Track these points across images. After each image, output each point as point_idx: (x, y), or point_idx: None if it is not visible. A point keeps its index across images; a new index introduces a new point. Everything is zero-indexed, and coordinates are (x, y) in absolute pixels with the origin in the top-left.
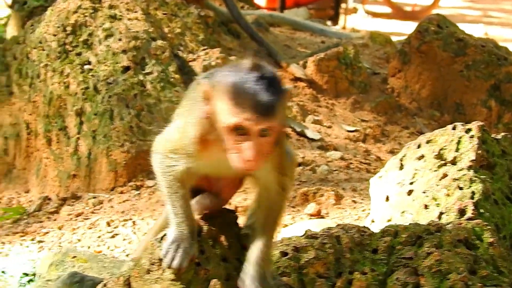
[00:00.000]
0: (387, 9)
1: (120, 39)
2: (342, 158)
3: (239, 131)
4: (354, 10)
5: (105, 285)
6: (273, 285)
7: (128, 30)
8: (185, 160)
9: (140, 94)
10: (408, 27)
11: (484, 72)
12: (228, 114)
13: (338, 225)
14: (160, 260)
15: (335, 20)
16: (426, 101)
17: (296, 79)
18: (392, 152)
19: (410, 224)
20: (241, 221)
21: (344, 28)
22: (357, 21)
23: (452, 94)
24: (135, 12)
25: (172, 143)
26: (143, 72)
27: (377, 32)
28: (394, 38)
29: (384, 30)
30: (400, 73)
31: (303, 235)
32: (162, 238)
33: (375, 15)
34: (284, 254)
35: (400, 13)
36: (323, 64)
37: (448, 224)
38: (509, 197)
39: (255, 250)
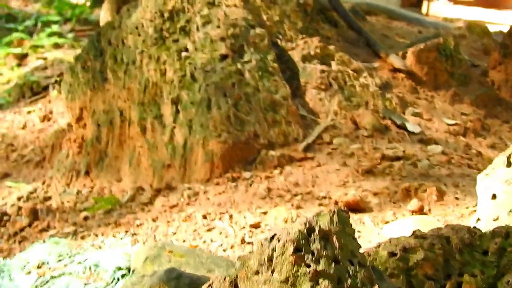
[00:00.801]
0: None
1: (218, 26)
2: (443, 153)
3: None
4: None
5: (210, 285)
6: None
7: (227, 17)
8: None
9: (238, 83)
10: (492, 15)
11: None
12: None
13: (448, 225)
14: (270, 260)
15: (418, 6)
16: None
17: (395, 70)
18: (493, 147)
19: None
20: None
21: (427, 15)
22: (439, 8)
23: None
24: None
25: None
26: (242, 60)
27: (475, 22)
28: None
29: (467, 18)
30: (501, 66)
31: (412, 235)
32: (272, 237)
33: (456, 2)
34: (392, 254)
35: (483, 1)
36: (423, 55)
37: None
38: None
39: None
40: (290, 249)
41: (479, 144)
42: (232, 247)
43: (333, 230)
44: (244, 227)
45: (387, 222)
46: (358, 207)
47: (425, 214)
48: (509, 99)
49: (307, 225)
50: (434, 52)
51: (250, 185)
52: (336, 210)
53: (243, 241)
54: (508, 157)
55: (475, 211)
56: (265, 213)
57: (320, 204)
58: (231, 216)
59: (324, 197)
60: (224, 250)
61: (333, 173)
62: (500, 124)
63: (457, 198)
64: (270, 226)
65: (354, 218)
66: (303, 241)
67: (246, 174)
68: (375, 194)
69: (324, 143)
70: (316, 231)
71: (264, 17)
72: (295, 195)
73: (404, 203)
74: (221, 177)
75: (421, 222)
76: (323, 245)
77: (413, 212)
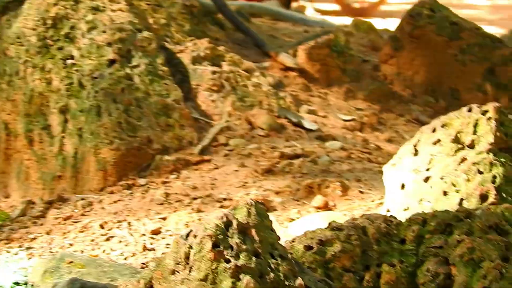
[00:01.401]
0: (336, 7)
1: (104, 31)
2: (342, 148)
3: None
4: (303, 8)
5: None
6: None
7: (112, 22)
8: None
9: (127, 88)
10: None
11: (479, 56)
12: None
13: (363, 215)
14: (187, 258)
15: None
16: (420, 87)
17: (287, 69)
18: (391, 141)
19: (438, 211)
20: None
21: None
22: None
23: (446, 80)
24: (118, 3)
25: None
26: (130, 65)
27: (361, 20)
28: None
29: None
30: (393, 59)
31: (327, 227)
32: (188, 235)
33: (323, 12)
34: (308, 247)
35: (349, 10)
36: (314, 52)
37: (477, 209)
38: None
39: None
40: (208, 245)
41: (376, 139)
42: (133, 255)
43: (252, 223)
44: (144, 234)
45: (292, 220)
46: None
47: (330, 209)
48: (403, 92)
49: (224, 219)
50: (325, 48)
51: (147, 191)
52: (253, 203)
53: (144, 248)
54: (415, 146)
55: (381, 203)
56: (164, 218)
57: (221, 206)
58: (129, 224)
59: (225, 199)
60: (125, 259)
61: (232, 174)
62: (395, 118)
63: (361, 192)
64: (171, 231)
65: None
66: (221, 235)
67: (141, 181)
68: (277, 193)
69: (220, 145)
70: (234, 225)
71: (151, 21)
72: (195, 198)
73: (307, 200)
74: (115, 185)
75: (327, 218)
76: (242, 239)
77: (318, 208)
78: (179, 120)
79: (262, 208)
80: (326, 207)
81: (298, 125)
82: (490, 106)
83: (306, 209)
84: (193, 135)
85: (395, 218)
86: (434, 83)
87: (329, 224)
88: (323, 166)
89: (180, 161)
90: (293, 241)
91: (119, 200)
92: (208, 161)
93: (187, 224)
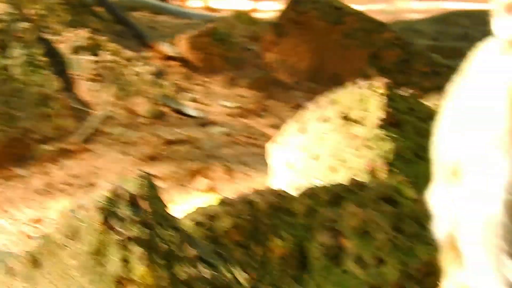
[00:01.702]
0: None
1: None
2: (226, 134)
3: None
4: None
5: (11, 268)
6: None
7: None
8: None
9: (6, 79)
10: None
11: (362, 40)
12: None
13: (254, 190)
14: (76, 232)
15: None
16: (304, 74)
17: (169, 58)
18: (275, 126)
19: (330, 184)
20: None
21: None
22: None
23: (330, 65)
24: None
25: None
26: (8, 56)
27: (243, 11)
28: None
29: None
30: (276, 46)
31: (218, 203)
32: (77, 208)
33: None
34: (199, 223)
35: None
36: (196, 41)
37: (368, 182)
38: (419, 155)
39: None
40: (98, 217)
41: (260, 124)
42: (15, 244)
43: (143, 195)
44: (25, 223)
45: (178, 205)
46: None
47: (216, 193)
48: (286, 80)
49: (114, 190)
50: (207, 37)
51: (27, 181)
52: (142, 174)
53: (26, 236)
54: (302, 123)
55: (267, 184)
56: (46, 207)
57: None
58: (10, 214)
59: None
60: (8, 247)
61: (116, 163)
62: (279, 104)
63: (246, 174)
64: (53, 220)
65: None
66: (112, 208)
67: (22, 171)
68: (162, 179)
69: (103, 134)
70: (125, 197)
71: (29, 11)
72: (77, 187)
73: (192, 184)
74: None
75: (213, 201)
76: (134, 210)
77: (202, 192)
78: (59, 110)
79: (151, 179)
80: (211, 190)
81: (181, 112)
82: (379, 82)
83: (191, 193)
84: (74, 125)
85: (286, 192)
86: (317, 69)
87: (220, 200)
88: (207, 151)
89: (61, 150)
90: (184, 217)
91: None
92: (90, 150)
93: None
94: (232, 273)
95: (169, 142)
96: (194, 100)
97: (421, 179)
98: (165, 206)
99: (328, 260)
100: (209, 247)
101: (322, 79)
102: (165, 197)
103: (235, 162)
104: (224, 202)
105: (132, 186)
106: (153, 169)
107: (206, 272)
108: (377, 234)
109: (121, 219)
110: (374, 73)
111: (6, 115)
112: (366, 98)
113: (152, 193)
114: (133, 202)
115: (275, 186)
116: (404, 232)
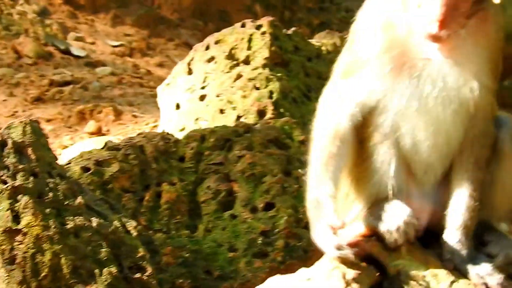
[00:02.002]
0: None
1: None
2: (112, 74)
3: None
4: None
5: None
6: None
7: None
8: (367, 82)
9: None
10: None
11: None
12: None
13: (140, 133)
14: None
15: None
16: (189, 11)
17: None
18: (162, 65)
19: (216, 126)
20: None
21: None
22: None
23: (215, 1)
24: None
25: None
26: None
27: None
28: None
29: None
30: None
31: (104, 147)
32: None
33: None
34: (85, 169)
35: None
36: None
37: (256, 124)
38: (307, 95)
39: (460, 206)
40: None
41: (146, 64)
42: None
43: (28, 142)
44: None
45: (65, 147)
46: None
47: (104, 135)
48: (171, 17)
49: None
50: None
51: None
52: (28, 121)
53: None
54: (189, 65)
55: (156, 126)
56: None
57: None
58: None
59: None
60: None
61: (1, 105)
62: (165, 42)
63: (135, 116)
64: None
65: None
66: None
67: None
68: (49, 121)
69: None
70: (9, 144)
71: None
72: None
73: (80, 126)
74: None
75: (101, 143)
76: (18, 158)
77: (91, 134)
78: None
79: (37, 127)
80: (99, 132)
81: (66, 52)
82: (265, 21)
83: (79, 135)
84: None
85: (173, 136)
86: (202, 6)
87: (106, 144)
88: (94, 92)
89: None
90: (69, 163)
91: None
92: None
93: None
94: (120, 221)
95: (55, 83)
96: (79, 39)
97: (309, 119)
98: (51, 152)
99: (217, 205)
100: (96, 194)
101: (208, 16)
102: (52, 140)
103: (123, 103)
104: (110, 146)
105: (17, 132)
106: (40, 111)
107: (93, 221)
108: (265, 177)
109: (5, 168)
110: (260, 10)
111: None
112: (250, 37)
113: (38, 140)
114: (18, 149)
115: (164, 129)
116: (293, 175)
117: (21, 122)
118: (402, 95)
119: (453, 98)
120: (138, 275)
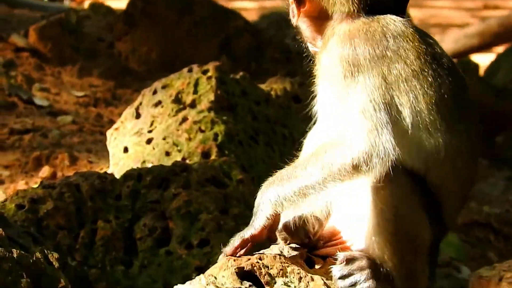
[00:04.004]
0: None
1: None
2: (74, 122)
3: None
4: None
5: None
6: None
7: None
8: None
9: None
10: None
11: (213, 29)
12: None
13: (77, 172)
14: None
15: None
16: (156, 63)
17: (19, 50)
18: None
19: (153, 165)
20: None
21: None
22: None
23: (182, 54)
24: None
25: None
26: None
27: (98, 3)
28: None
29: None
30: (127, 36)
31: (39, 185)
32: None
33: None
34: (20, 206)
35: None
36: (45, 31)
37: (194, 163)
38: (254, 138)
39: None
40: None
41: (110, 113)
42: None
43: None
44: None
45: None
46: None
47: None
48: (138, 68)
49: None
50: (57, 27)
51: None
52: None
53: None
54: (137, 109)
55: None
56: None
57: None
58: None
59: None
60: None
61: None
62: (131, 93)
63: (90, 162)
64: None
65: None
66: None
67: None
68: (6, 167)
69: None
70: None
71: None
72: None
73: (36, 172)
74: None
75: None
76: None
77: (45, 179)
78: None
79: None
80: (54, 177)
81: (29, 102)
82: (211, 66)
83: (34, 180)
84: None
85: (110, 174)
86: (170, 59)
87: (41, 182)
88: (53, 139)
89: None
90: (5, 201)
91: None
92: None
93: None
94: (43, 253)
95: (15, 131)
96: (43, 90)
97: (256, 161)
98: None
99: (153, 242)
100: (22, 228)
101: (176, 68)
102: (8, 185)
103: (81, 149)
104: (45, 185)
105: None
106: None
107: (13, 251)
108: (201, 215)
109: None
110: (226, 61)
111: None
112: (197, 81)
113: None
114: None
115: (113, 172)
116: (230, 213)
117: None
118: None
119: None
120: None
